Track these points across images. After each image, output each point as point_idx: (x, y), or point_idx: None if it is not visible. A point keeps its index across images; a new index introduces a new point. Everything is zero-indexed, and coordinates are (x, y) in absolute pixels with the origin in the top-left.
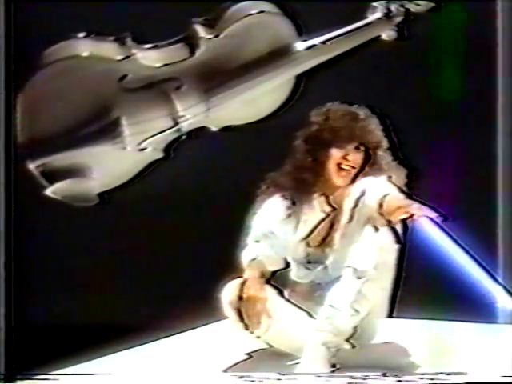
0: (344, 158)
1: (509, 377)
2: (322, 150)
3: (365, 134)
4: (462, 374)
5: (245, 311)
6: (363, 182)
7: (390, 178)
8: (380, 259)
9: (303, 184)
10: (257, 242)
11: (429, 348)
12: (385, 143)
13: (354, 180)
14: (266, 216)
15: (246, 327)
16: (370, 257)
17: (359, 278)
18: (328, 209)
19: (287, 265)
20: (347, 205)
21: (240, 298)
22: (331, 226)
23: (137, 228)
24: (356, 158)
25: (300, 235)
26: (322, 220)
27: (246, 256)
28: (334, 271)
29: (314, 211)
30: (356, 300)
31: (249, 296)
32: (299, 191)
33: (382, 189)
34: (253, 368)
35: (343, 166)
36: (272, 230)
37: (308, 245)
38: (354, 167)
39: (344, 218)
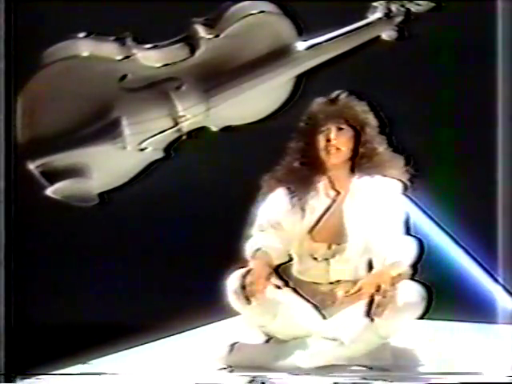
0: (327, 140)
1: (509, 377)
2: (310, 138)
3: (344, 113)
4: (461, 374)
5: (251, 296)
6: (367, 183)
7: (405, 187)
8: None
9: (303, 171)
10: (262, 231)
11: (429, 348)
12: (373, 121)
13: (351, 161)
14: (271, 207)
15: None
16: None
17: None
18: (332, 193)
19: (290, 259)
20: (350, 201)
21: (243, 287)
22: (338, 220)
23: (137, 228)
24: (340, 138)
25: (307, 225)
26: (328, 208)
27: (250, 246)
28: (334, 273)
29: (319, 196)
30: None
31: (254, 282)
32: (301, 180)
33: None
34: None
35: (329, 149)
36: (278, 220)
37: (314, 239)
38: (340, 148)
39: (349, 212)
